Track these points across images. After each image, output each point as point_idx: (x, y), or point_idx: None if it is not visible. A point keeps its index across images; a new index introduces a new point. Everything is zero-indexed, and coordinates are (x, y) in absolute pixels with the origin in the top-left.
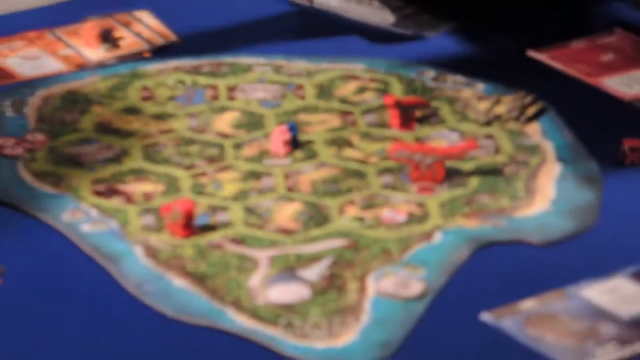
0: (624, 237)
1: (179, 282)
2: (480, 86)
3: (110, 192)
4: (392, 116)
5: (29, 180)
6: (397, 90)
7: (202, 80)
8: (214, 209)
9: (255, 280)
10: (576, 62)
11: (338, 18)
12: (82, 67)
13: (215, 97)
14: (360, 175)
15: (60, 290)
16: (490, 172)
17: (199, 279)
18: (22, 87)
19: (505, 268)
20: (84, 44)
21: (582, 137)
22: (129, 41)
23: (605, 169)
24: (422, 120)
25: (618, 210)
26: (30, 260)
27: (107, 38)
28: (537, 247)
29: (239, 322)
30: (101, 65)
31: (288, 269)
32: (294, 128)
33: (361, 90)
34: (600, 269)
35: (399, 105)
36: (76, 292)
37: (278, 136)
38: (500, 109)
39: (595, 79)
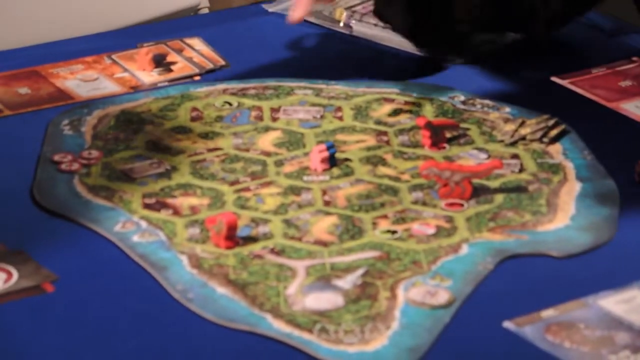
0: (638, 251)
1: (221, 290)
2: (507, 109)
3: (160, 205)
4: (424, 136)
5: (84, 194)
6: (429, 113)
7: (248, 102)
8: (256, 222)
9: (292, 288)
10: (596, 87)
11: (375, 46)
12: (136, 89)
13: (259, 118)
14: (393, 191)
15: (110, 296)
16: (515, 189)
17: (240, 286)
18: (80, 107)
19: (527, 279)
20: (138, 68)
21: (601, 157)
22: (180, 65)
23: (621, 187)
24: (452, 141)
25: (634, 226)
26: (83, 268)
27: (160, 62)
28: (557, 260)
29: (277, 327)
30: (154, 88)
31: (323, 278)
32: (332, 147)
33: (395, 112)
34: (616, 281)
35: (430, 126)
36: (125, 298)
37: (317, 154)
38: (525, 131)
39: (614, 104)
